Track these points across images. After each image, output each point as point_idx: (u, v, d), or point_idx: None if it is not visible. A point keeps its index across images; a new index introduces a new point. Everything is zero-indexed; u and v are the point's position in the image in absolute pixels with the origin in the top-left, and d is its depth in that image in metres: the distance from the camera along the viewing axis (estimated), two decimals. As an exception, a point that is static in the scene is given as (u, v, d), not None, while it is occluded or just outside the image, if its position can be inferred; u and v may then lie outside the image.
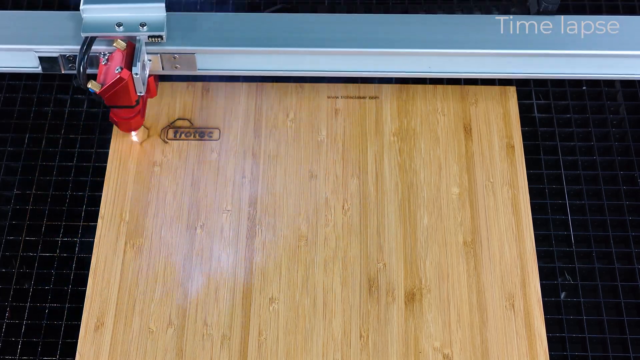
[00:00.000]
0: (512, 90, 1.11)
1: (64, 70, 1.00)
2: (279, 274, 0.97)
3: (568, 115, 1.13)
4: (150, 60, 0.99)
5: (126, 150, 1.06)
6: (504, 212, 1.01)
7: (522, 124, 1.09)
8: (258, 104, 1.09)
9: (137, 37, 0.96)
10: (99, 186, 1.05)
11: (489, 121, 1.08)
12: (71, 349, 0.95)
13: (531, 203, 1.02)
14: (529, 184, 1.04)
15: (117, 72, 0.94)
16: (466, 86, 1.11)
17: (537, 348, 0.93)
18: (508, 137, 1.07)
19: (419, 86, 1.11)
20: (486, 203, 1.02)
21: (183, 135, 1.07)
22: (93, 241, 0.99)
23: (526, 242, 0.99)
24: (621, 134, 1.12)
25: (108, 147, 1.07)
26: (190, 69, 1.02)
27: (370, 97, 1.10)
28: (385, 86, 1.11)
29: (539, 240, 1.01)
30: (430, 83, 1.12)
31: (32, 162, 1.09)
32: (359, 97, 1.10)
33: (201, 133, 1.07)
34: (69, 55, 0.99)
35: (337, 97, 1.10)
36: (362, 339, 0.93)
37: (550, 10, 1.01)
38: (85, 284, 0.97)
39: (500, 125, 1.08)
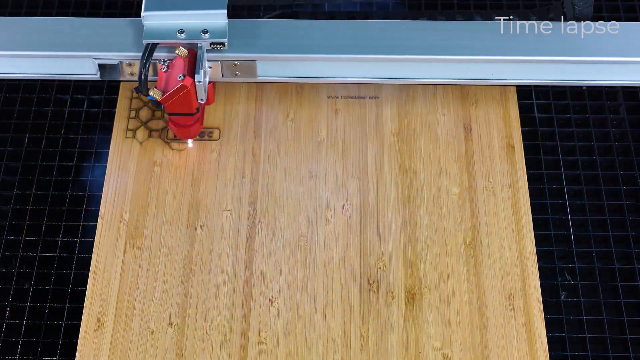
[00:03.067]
0: (512, 90, 1.11)
1: (123, 77, 1.00)
2: (279, 274, 0.97)
3: (568, 115, 1.13)
4: (210, 68, 0.99)
5: (126, 150, 1.06)
6: (504, 212, 1.01)
7: (522, 124, 1.09)
8: (258, 104, 1.09)
9: (199, 44, 0.96)
10: (99, 186, 1.05)
11: (489, 121, 1.08)
12: (71, 349, 0.95)
13: (531, 203, 1.02)
14: (529, 184, 1.04)
15: (179, 79, 0.93)
16: (466, 86, 1.11)
17: (537, 348, 0.93)
18: (508, 137, 1.07)
19: (419, 86, 1.11)
20: (486, 203, 1.02)
21: (183, 135, 1.07)
22: (93, 241, 0.99)
23: (526, 242, 0.99)
24: (621, 134, 1.12)
25: (108, 147, 1.07)
26: (250, 75, 1.01)
27: (370, 97, 1.10)
28: (385, 86, 1.11)
29: (539, 240, 1.01)
30: (430, 83, 1.12)
31: (32, 162, 1.09)
32: (359, 97, 1.10)
33: (201, 133, 1.07)
34: (129, 62, 0.98)
35: (337, 97, 1.10)
36: (362, 339, 0.93)
37: (585, 14, 0.99)
38: (85, 284, 0.97)
39: (500, 125, 1.08)
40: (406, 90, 1.10)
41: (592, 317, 0.99)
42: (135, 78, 0.97)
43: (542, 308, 0.95)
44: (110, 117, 1.10)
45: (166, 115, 1.06)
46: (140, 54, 0.95)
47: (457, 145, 1.06)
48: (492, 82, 1.04)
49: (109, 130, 1.09)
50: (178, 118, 1.00)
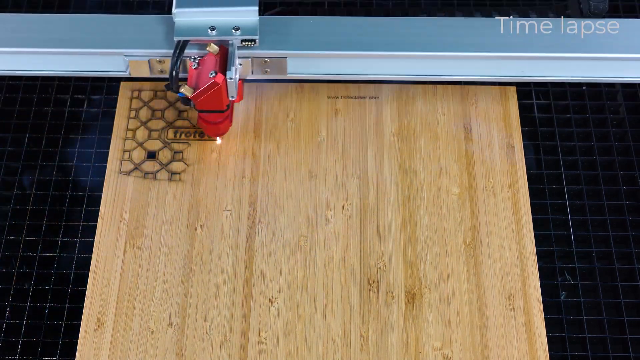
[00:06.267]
0: (512, 90, 1.11)
1: (152, 74, 0.99)
2: (279, 274, 0.97)
3: (568, 115, 1.13)
4: (240, 65, 0.98)
5: (126, 150, 1.06)
6: (504, 212, 1.01)
7: (522, 124, 1.09)
8: (258, 104, 1.09)
9: (230, 41, 0.95)
10: (99, 186, 1.05)
11: (489, 121, 1.08)
12: (71, 349, 0.95)
13: (531, 203, 1.02)
14: (529, 184, 1.04)
15: (211, 76, 0.93)
16: (466, 86, 1.11)
17: (537, 348, 0.93)
18: (508, 137, 1.07)
19: (419, 86, 1.11)
20: (486, 203, 1.02)
21: (183, 135, 1.07)
22: (93, 241, 0.99)
23: (526, 242, 0.99)
24: (621, 134, 1.12)
25: (108, 147, 1.07)
26: (280, 73, 1.00)
27: (370, 97, 1.10)
28: (385, 86, 1.11)
29: (539, 240, 1.01)
30: (431, 83, 1.12)
31: (32, 162, 1.09)
32: (359, 97, 1.10)
33: (201, 133, 1.07)
34: (159, 59, 0.98)
35: (337, 97, 1.10)
36: (362, 339, 0.93)
37: (601, 9, 0.99)
38: (85, 284, 0.97)
39: (500, 125, 1.08)
40: (406, 90, 1.10)
41: (592, 317, 0.99)
42: (165, 75, 0.97)
43: (542, 308, 0.95)
44: (110, 117, 1.10)
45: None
46: (171, 51, 0.95)
47: (457, 145, 1.06)
48: (491, 78, 1.03)
49: (109, 130, 1.09)
50: (208, 115, 0.99)
